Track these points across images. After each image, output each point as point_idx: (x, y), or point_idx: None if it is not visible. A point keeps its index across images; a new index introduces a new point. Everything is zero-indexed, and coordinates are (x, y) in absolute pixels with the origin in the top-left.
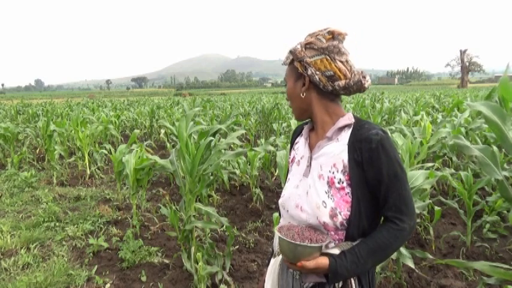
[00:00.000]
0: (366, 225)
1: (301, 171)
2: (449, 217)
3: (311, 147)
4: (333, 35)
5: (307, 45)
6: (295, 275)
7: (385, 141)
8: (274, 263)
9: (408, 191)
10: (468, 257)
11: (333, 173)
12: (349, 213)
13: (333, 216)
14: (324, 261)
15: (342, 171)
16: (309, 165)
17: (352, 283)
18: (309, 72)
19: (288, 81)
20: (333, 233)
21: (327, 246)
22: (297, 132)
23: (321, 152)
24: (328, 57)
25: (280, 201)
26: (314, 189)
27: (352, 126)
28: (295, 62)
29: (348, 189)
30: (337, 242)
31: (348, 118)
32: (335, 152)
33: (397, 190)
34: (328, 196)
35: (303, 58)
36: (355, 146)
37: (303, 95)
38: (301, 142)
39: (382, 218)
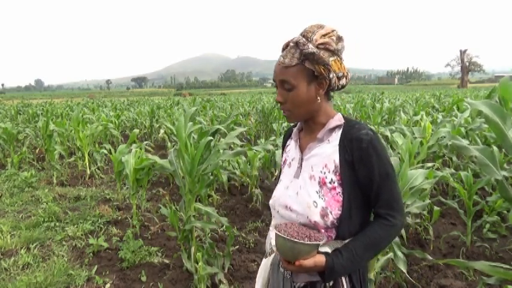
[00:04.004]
0: (356, 224)
1: (292, 172)
2: (449, 217)
3: (302, 149)
4: (339, 36)
5: (322, 46)
6: (286, 274)
7: (375, 141)
8: (266, 262)
9: (398, 188)
10: (468, 257)
11: (325, 173)
12: (340, 212)
13: (324, 215)
14: (321, 259)
15: (333, 171)
16: (300, 167)
17: (343, 281)
18: (331, 76)
19: (299, 85)
20: (323, 231)
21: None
22: (288, 135)
23: (312, 153)
24: (338, 58)
25: (270, 202)
26: (305, 190)
27: (342, 127)
28: (310, 64)
29: (339, 189)
30: (326, 239)
31: (338, 119)
32: (326, 153)
33: (388, 188)
34: (319, 196)
35: (325, 62)
36: (346, 146)
37: (318, 98)
38: (292, 144)
39: (373, 216)
